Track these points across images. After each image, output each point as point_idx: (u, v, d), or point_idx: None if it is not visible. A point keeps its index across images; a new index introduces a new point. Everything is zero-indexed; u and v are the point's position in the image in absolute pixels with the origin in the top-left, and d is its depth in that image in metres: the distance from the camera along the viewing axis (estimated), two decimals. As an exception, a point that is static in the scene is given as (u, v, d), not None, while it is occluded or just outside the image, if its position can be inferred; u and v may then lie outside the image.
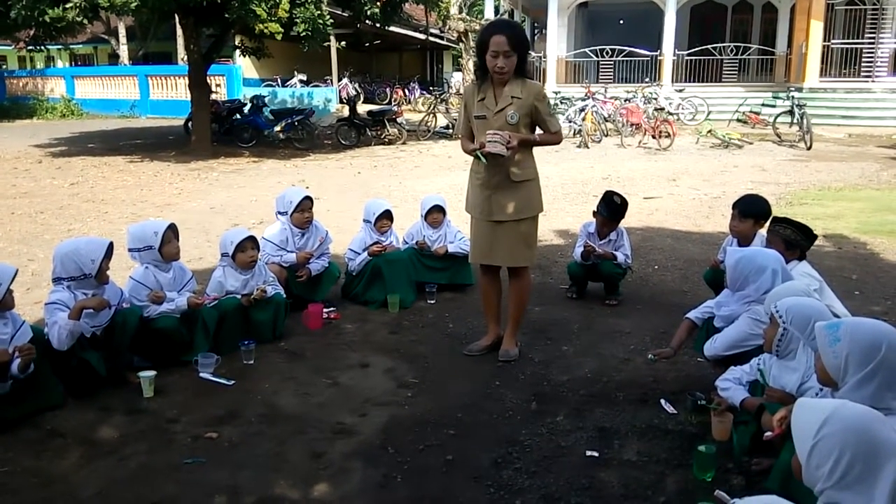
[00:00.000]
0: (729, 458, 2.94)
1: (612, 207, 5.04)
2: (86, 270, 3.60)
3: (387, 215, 5.28)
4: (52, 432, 3.29)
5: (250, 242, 4.41)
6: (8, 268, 3.40)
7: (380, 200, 5.46)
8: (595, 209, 5.15)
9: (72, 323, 3.44)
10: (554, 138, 4.00)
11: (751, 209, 4.21)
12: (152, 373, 3.66)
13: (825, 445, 1.78)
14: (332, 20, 13.50)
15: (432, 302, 5.13)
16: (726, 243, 4.55)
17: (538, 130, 4.00)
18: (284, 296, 4.54)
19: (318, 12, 12.78)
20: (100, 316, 3.65)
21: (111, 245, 3.75)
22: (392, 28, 19.29)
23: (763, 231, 4.11)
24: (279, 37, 12.78)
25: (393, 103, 24.25)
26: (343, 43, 19.69)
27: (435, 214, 5.47)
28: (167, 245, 4.03)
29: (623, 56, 21.85)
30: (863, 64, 19.36)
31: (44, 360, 3.43)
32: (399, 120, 16.80)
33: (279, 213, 5.05)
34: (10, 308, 3.37)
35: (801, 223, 3.90)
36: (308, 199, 5.00)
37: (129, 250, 4.09)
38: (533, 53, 23.33)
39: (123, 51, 29.16)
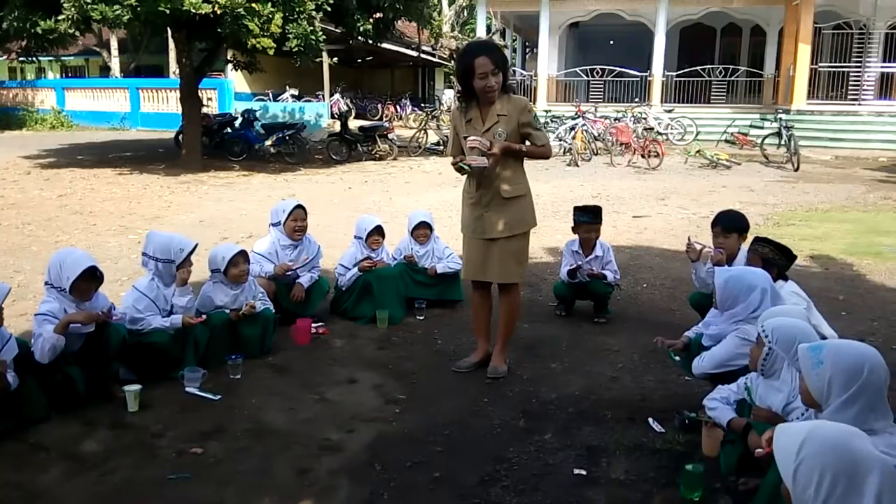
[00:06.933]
0: (716, 477, 2.94)
1: (588, 210, 5.16)
2: (63, 285, 3.58)
3: (378, 231, 5.30)
4: (35, 446, 3.25)
5: (241, 257, 4.41)
6: (1, 286, 3.38)
7: (371, 217, 5.46)
8: (573, 223, 5.22)
9: (55, 337, 3.40)
10: (541, 151, 3.99)
11: (732, 224, 4.33)
12: (137, 387, 3.63)
13: (806, 467, 1.79)
14: (324, 36, 13.53)
15: (421, 318, 5.13)
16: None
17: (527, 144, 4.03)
18: (273, 311, 4.53)
19: (311, 28, 12.81)
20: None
21: (94, 268, 3.66)
22: (384, 45, 19.39)
23: (745, 246, 4.16)
24: (271, 52, 12.79)
25: (384, 119, 24.32)
26: (335, 59, 19.69)
27: (421, 230, 5.49)
28: (184, 266, 4.07)
29: (613, 76, 22.03)
30: (850, 87, 19.60)
31: (29, 373, 3.40)
32: (390, 136, 16.84)
33: (272, 224, 5.06)
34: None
35: (781, 244, 3.94)
36: (301, 208, 5.01)
37: (144, 255, 4.08)
38: (524, 72, 23.53)
39: (115, 63, 29.10)
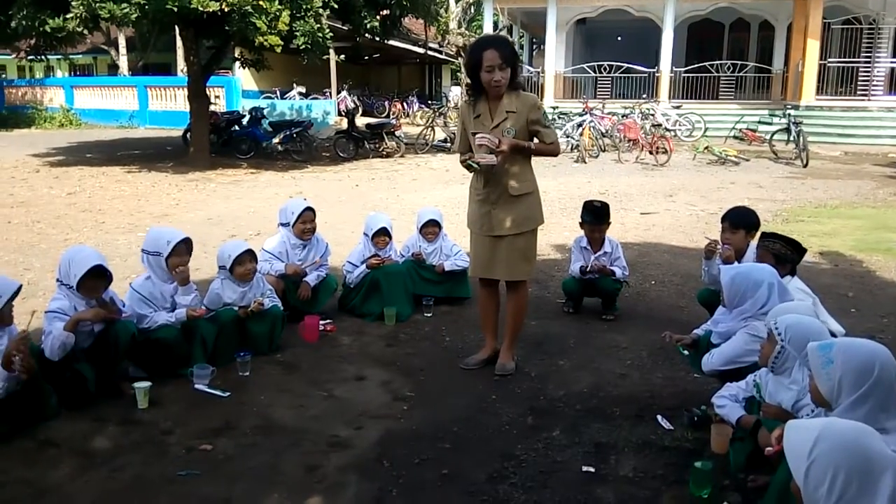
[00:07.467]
0: (725, 474, 2.93)
1: (593, 211, 5.13)
2: (71, 282, 3.59)
3: (384, 233, 5.25)
4: (45, 442, 3.27)
5: (248, 256, 4.41)
6: (11, 282, 3.39)
7: (380, 215, 5.40)
8: (580, 220, 5.20)
9: (64, 334, 3.42)
10: (549, 149, 4.00)
11: (741, 220, 4.28)
12: (147, 384, 3.64)
13: (819, 466, 1.77)
14: (331, 33, 13.54)
15: (429, 315, 5.13)
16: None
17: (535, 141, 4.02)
18: (281, 308, 4.54)
19: (318, 25, 12.83)
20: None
21: (101, 266, 3.65)
22: (391, 42, 19.35)
23: (754, 243, 4.14)
24: (279, 49, 12.82)
25: (391, 116, 24.31)
26: (342, 56, 19.75)
27: (430, 228, 5.48)
28: (175, 257, 4.04)
29: (621, 72, 21.96)
30: (859, 82, 19.48)
31: (38, 370, 3.41)
32: (397, 133, 16.83)
33: (281, 224, 5.07)
34: (9, 324, 3.35)
35: (790, 237, 3.92)
36: (310, 210, 5.02)
37: (142, 251, 4.11)
38: (532, 69, 23.47)
39: (123, 61, 29.19)
